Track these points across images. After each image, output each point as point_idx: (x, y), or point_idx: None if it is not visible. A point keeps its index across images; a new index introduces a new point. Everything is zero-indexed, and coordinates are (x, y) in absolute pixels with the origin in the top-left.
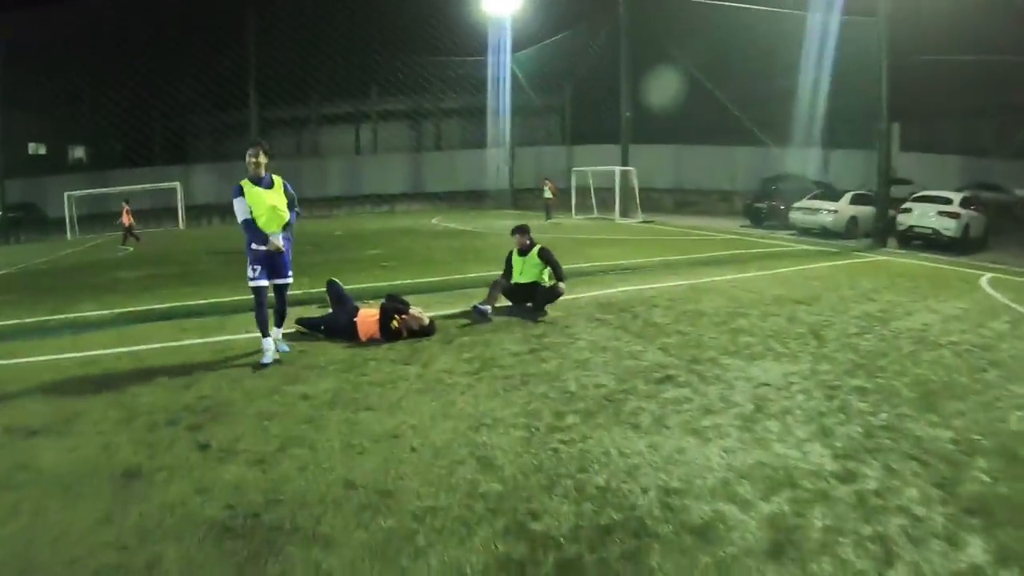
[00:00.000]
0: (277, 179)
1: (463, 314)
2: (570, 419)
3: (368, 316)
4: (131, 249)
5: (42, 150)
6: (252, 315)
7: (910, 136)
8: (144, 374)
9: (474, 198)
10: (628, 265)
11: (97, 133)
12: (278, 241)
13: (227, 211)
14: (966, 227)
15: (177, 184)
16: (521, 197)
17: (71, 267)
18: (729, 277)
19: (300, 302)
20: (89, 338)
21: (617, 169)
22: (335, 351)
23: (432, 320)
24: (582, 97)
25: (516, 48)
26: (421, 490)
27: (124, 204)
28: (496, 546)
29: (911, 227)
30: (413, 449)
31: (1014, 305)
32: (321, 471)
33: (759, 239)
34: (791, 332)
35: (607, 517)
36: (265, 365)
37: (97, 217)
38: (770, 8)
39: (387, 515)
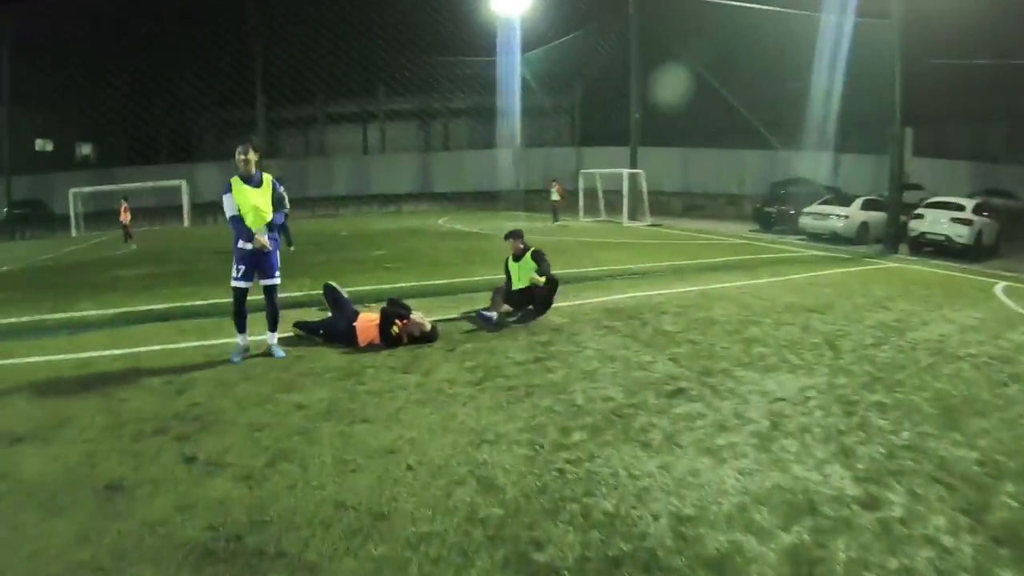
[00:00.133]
0: (267, 178)
1: (467, 317)
2: (576, 436)
3: (368, 321)
4: (134, 247)
5: (49, 147)
6: (253, 317)
7: (920, 141)
8: (137, 378)
9: (482, 199)
10: (636, 270)
11: (104, 130)
12: (263, 238)
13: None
14: (979, 234)
15: (183, 182)
16: (529, 198)
17: (73, 265)
18: (740, 283)
19: (300, 304)
20: (85, 339)
21: (625, 171)
22: (333, 357)
23: (434, 325)
24: (591, 98)
25: (525, 48)
26: (416, 513)
27: (123, 202)
28: None
29: (923, 233)
30: (409, 467)
31: None
32: (311, 489)
33: (769, 244)
34: (806, 342)
35: (615, 548)
36: (234, 363)
37: (103, 214)
38: (781, 8)
39: (379, 541)
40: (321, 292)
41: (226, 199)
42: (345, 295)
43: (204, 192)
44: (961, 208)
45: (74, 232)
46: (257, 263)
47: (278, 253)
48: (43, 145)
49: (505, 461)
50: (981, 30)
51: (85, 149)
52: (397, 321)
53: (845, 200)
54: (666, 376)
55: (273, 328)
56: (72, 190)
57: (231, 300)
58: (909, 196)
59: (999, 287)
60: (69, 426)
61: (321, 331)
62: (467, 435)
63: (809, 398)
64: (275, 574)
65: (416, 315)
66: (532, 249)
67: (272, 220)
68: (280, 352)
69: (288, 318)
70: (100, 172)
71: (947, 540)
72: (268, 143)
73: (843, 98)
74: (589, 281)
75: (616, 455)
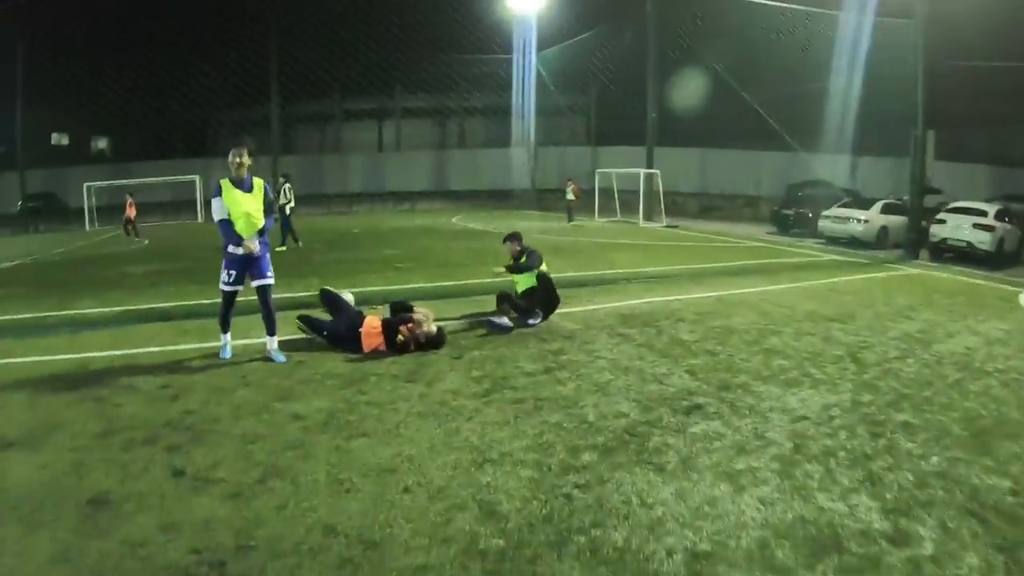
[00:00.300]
0: (258, 182)
1: (479, 321)
2: (586, 456)
3: (372, 328)
4: (146, 242)
5: (64, 141)
6: (253, 319)
7: (938, 144)
8: (133, 381)
9: (497, 198)
10: (652, 273)
11: (120, 125)
12: (252, 244)
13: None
14: (1000, 241)
15: (196, 177)
16: (544, 198)
17: (83, 259)
18: (758, 289)
19: (307, 304)
20: (86, 338)
21: (642, 171)
22: (335, 362)
23: (441, 328)
24: (607, 97)
25: (541, 46)
26: (411, 542)
27: (128, 197)
28: None
29: (944, 239)
30: (407, 489)
31: None
32: (301, 512)
33: (786, 247)
34: (828, 354)
35: None
36: (223, 358)
37: (117, 208)
38: (800, 7)
39: (369, 573)
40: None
41: (215, 202)
42: (346, 297)
43: None
44: (983, 214)
45: (88, 226)
46: (247, 265)
47: (268, 254)
48: (59, 139)
49: (509, 484)
50: (1001, 32)
51: (101, 143)
52: (402, 328)
53: (864, 203)
54: (682, 390)
55: (271, 332)
56: (86, 184)
57: (252, 301)
58: (928, 200)
59: (1023, 296)
60: (60, 432)
61: (325, 332)
62: (470, 453)
63: (833, 417)
64: None
65: (419, 312)
66: (527, 250)
67: (263, 226)
68: (280, 357)
69: (291, 319)
70: (115, 167)
71: None
72: (284, 139)
73: (862, 99)
74: (604, 285)
75: (628, 479)
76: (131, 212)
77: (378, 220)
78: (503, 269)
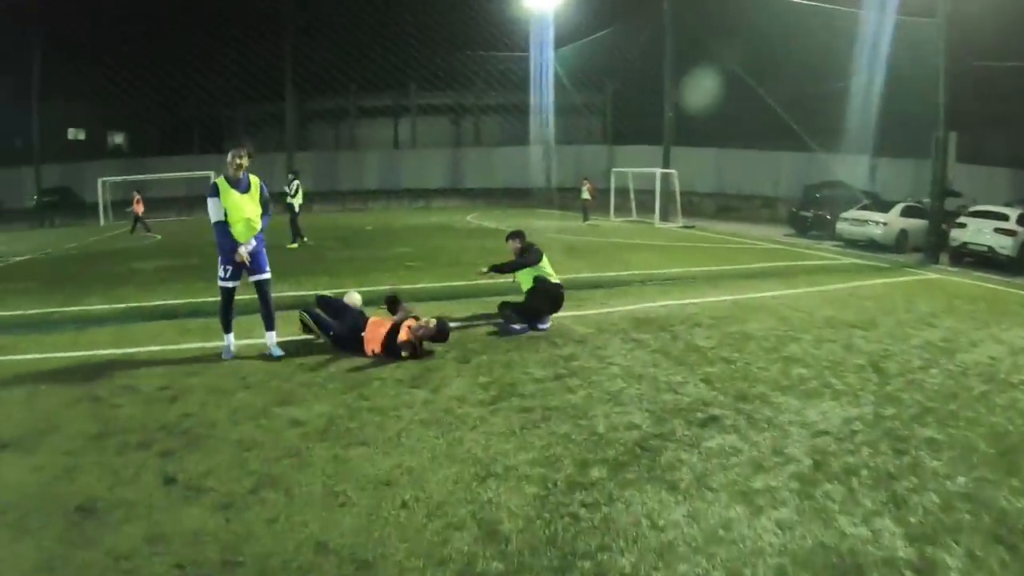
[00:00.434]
0: (254, 180)
1: (493, 322)
2: (595, 472)
3: (375, 332)
4: (158, 237)
5: (81, 135)
6: (255, 319)
7: (958, 145)
8: (133, 381)
9: (512, 196)
10: (668, 275)
11: (136, 120)
12: (245, 253)
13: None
14: (1022, 246)
15: (211, 173)
16: (559, 196)
17: (94, 254)
18: (776, 293)
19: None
20: (90, 336)
21: (658, 171)
22: (338, 365)
23: (440, 319)
24: (624, 96)
25: (558, 44)
26: (406, 563)
27: (136, 194)
28: None
29: (964, 243)
30: (404, 504)
31: None
32: (292, 526)
33: (804, 250)
34: (848, 363)
35: None
36: (225, 358)
37: (131, 203)
38: (819, 3)
39: None
40: (339, 291)
41: (212, 203)
42: (354, 297)
43: None
44: (1005, 218)
45: (102, 221)
46: (243, 263)
47: (264, 249)
48: (75, 134)
49: (512, 501)
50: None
51: (117, 138)
52: (405, 328)
53: (884, 206)
54: (698, 401)
55: (270, 327)
56: (101, 179)
57: (216, 300)
58: (948, 203)
59: None
60: (56, 433)
61: (331, 332)
62: (473, 466)
63: (855, 432)
64: None
65: (403, 309)
66: (528, 247)
67: (261, 226)
68: (278, 351)
69: (293, 319)
70: (132, 161)
71: None
72: (299, 136)
73: (882, 99)
74: (618, 286)
75: (638, 498)
76: (138, 208)
77: (392, 217)
78: (486, 269)
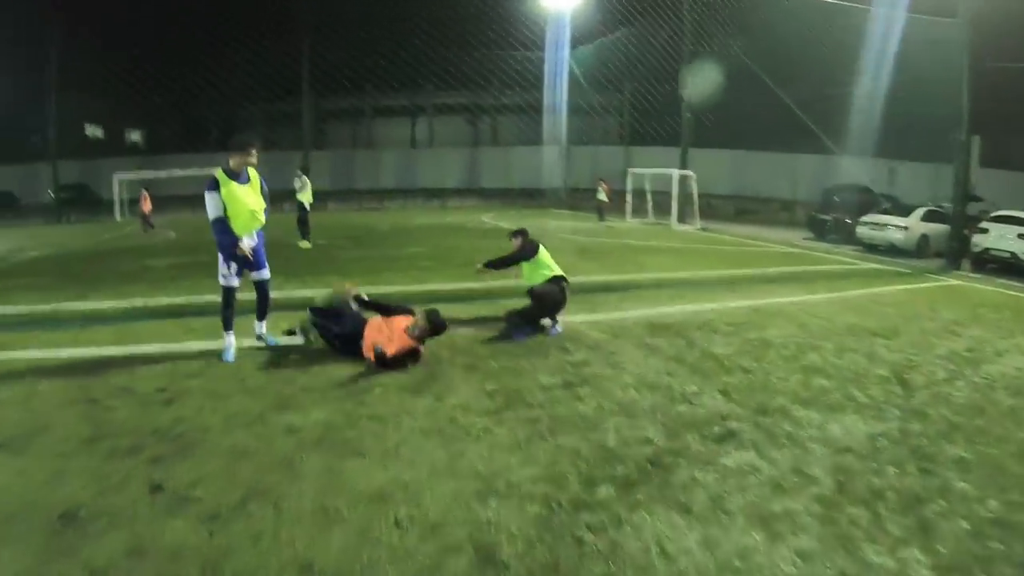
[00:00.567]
0: (253, 173)
1: (495, 323)
2: (603, 491)
3: (374, 337)
4: (173, 235)
5: (99, 132)
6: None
7: (981, 149)
8: (130, 382)
9: (528, 196)
10: (684, 279)
11: (154, 118)
12: (246, 247)
13: (274, 198)
14: None
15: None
16: (575, 197)
17: (107, 251)
18: (795, 299)
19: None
20: (93, 333)
21: (676, 172)
22: (341, 369)
23: (430, 312)
24: (641, 96)
25: (575, 44)
26: None
27: (144, 191)
28: None
29: (987, 249)
30: (397, 523)
31: None
32: (277, 544)
33: (823, 254)
34: (872, 374)
35: None
36: (226, 360)
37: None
38: (838, 1)
39: None
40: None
41: (211, 198)
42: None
43: None
44: None
45: (118, 217)
46: (245, 258)
47: (263, 247)
48: (93, 131)
49: (513, 521)
50: None
51: (135, 136)
52: (399, 332)
53: (904, 210)
54: (714, 413)
55: (262, 318)
56: (116, 176)
57: (220, 299)
58: (968, 208)
59: None
60: (47, 434)
61: (336, 342)
62: (473, 482)
63: (880, 450)
64: None
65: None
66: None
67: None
68: (272, 339)
69: (293, 320)
70: (149, 159)
71: None
72: (316, 134)
73: (902, 101)
74: (633, 290)
75: (648, 521)
76: (145, 206)
77: (408, 217)
78: (481, 266)
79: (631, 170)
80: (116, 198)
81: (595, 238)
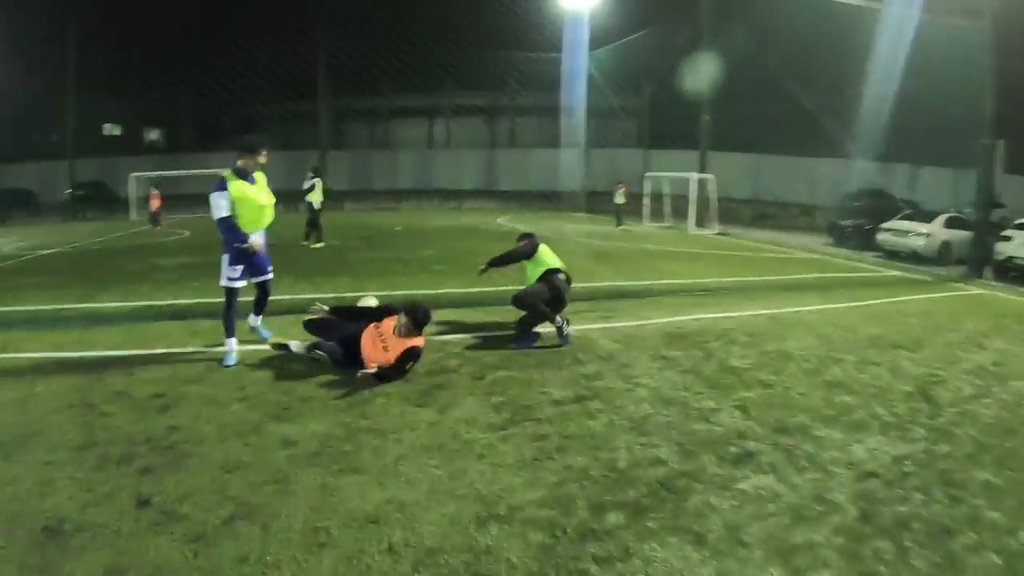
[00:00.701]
0: (259, 175)
1: (504, 329)
2: (612, 517)
3: (369, 358)
4: (186, 234)
5: (117, 131)
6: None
7: (1006, 155)
8: (127, 387)
9: (545, 199)
10: (702, 286)
11: (172, 117)
12: (256, 243)
13: (290, 198)
14: None
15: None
16: (593, 200)
17: (119, 250)
18: (816, 308)
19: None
20: (96, 334)
21: (694, 176)
22: (342, 377)
23: (412, 307)
24: (660, 99)
25: (594, 45)
26: None
27: (154, 190)
28: None
29: (1010, 258)
30: (391, 548)
31: None
32: (263, 567)
33: (844, 261)
34: (896, 390)
35: None
36: (227, 366)
37: (164, 199)
38: (862, 2)
39: None
40: (356, 293)
41: (218, 198)
42: (370, 302)
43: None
44: None
45: (133, 215)
46: (250, 261)
47: (266, 248)
48: (111, 129)
49: (514, 550)
50: None
51: (153, 135)
52: (391, 337)
53: (926, 216)
54: (732, 432)
55: (259, 312)
56: (132, 174)
57: (223, 301)
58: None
59: None
60: (39, 440)
61: (338, 360)
62: (474, 504)
63: (907, 474)
64: None
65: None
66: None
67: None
68: (265, 332)
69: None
70: (166, 157)
71: None
72: (333, 134)
73: (924, 105)
74: (650, 297)
75: (659, 553)
76: (154, 203)
77: (423, 218)
78: (483, 267)
79: (649, 174)
80: (131, 196)
81: (612, 242)
